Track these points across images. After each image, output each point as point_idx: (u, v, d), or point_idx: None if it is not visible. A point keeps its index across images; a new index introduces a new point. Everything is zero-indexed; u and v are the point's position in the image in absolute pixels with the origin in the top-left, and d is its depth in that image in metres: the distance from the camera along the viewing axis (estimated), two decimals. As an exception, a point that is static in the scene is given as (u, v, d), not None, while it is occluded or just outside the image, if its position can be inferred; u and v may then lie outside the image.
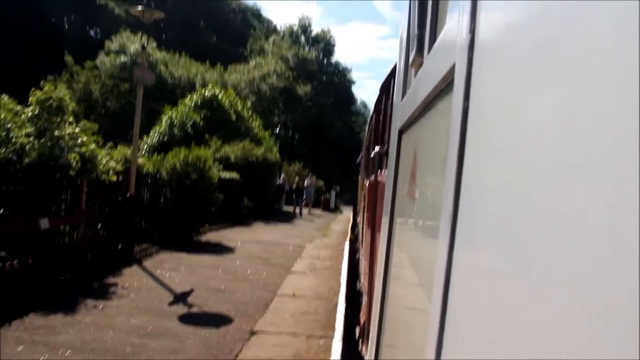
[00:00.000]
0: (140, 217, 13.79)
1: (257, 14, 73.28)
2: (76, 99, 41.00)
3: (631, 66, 0.42)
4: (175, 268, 11.56)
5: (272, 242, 16.63)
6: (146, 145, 29.81)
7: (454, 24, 1.16)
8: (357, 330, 6.73)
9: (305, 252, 15.03)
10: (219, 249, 14.53)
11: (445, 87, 1.29)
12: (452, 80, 1.11)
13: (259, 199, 26.31)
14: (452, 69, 1.12)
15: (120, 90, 41.20)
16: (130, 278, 10.33)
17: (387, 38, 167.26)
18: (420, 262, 1.67)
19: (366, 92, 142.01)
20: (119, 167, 12.99)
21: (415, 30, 2.00)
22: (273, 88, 48.55)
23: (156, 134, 29.82)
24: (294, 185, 30.34)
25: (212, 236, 16.84)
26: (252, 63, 51.49)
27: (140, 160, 15.22)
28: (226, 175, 22.97)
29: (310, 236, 19.54)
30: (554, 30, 0.61)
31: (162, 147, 29.14)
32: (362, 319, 6.09)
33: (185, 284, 10.15)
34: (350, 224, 27.32)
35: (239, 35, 62.38)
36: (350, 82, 59.59)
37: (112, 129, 41.88)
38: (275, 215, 26.81)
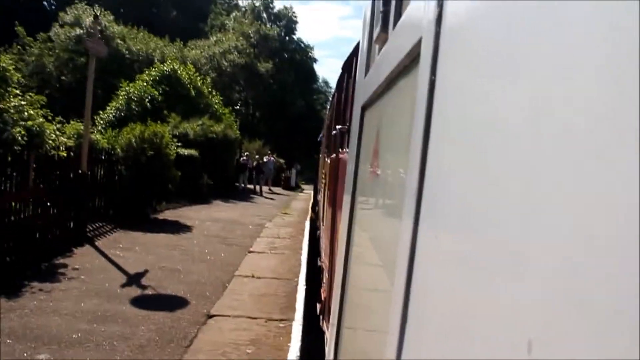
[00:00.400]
0: (94, 195, 13.26)
1: (218, -11, 71.73)
2: (28, 72, 39.55)
3: (601, 47, 0.42)
4: (130, 248, 11.11)
5: (231, 220, 16.24)
6: (102, 121, 28.99)
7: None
8: (319, 306, 6.67)
9: (265, 231, 14.68)
10: (176, 227, 14.08)
11: (410, 62, 1.26)
12: (418, 55, 1.08)
13: (219, 176, 25.81)
14: (418, 44, 1.10)
15: (76, 63, 39.71)
16: (81, 259, 9.86)
17: (350, 18, 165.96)
18: (382, 240, 1.64)
19: (328, 71, 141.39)
20: (71, 143, 12.42)
21: (380, 6, 1.95)
22: (234, 65, 47.54)
23: (113, 110, 28.97)
24: (254, 163, 29.68)
25: (169, 214, 16.36)
26: (213, 39, 50.29)
27: (95, 136, 14.60)
28: (184, 152, 22.43)
29: (271, 214, 19.18)
30: (522, 5, 0.60)
31: (119, 123, 28.18)
32: (324, 295, 6.06)
33: (140, 265, 9.74)
34: (311, 203, 27.08)
35: (199, 10, 60.94)
36: (313, 60, 58.96)
37: (68, 104, 40.56)
38: (235, 193, 26.34)
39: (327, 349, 3.57)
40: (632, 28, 0.38)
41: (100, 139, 14.72)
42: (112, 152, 14.34)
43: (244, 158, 31.73)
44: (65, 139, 12.39)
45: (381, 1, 1.92)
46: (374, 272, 1.76)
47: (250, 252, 11.76)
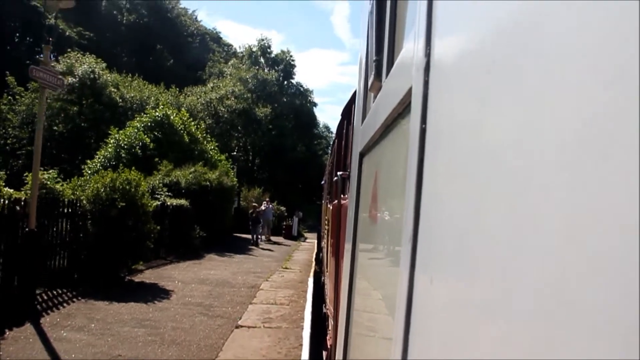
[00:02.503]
0: (51, 256, 10.79)
1: (216, 38, 70.58)
2: (19, 123, 37.53)
3: (581, 84, 0.44)
4: (83, 326, 8.53)
5: (221, 281, 13.61)
6: (90, 170, 26.82)
7: (410, 48, 1.16)
8: (324, 354, 6.50)
9: (260, 295, 12.04)
10: (152, 293, 11.50)
11: (403, 110, 1.29)
12: (410, 102, 1.10)
13: (213, 227, 23.33)
14: (409, 92, 1.12)
15: (68, 113, 37.77)
16: (9, 347, 7.29)
17: (348, 64, 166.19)
18: (382, 286, 1.64)
19: (328, 117, 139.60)
20: (21, 195, 10.04)
21: (373, 55, 1.96)
22: (231, 110, 45.46)
23: (101, 158, 26.78)
24: (250, 212, 26.99)
25: (149, 275, 13.80)
26: (210, 85, 48.42)
27: (59, 187, 12.19)
28: (173, 202, 20.03)
29: (268, 271, 16.58)
30: (505, 51, 0.62)
31: (107, 173, 26.25)
32: (329, 342, 5.94)
33: (88, 354, 7.18)
34: (315, 253, 24.45)
35: (197, 59, 59.46)
36: (312, 104, 56.71)
37: (58, 154, 38.56)
38: (232, 245, 23.70)
39: None
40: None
41: (65, 189, 12.28)
42: (78, 205, 11.92)
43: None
44: (11, 191, 10.03)
45: (374, 50, 1.94)
46: (375, 318, 1.74)
47: (238, 326, 9.15)
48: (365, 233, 2.17)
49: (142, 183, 13.06)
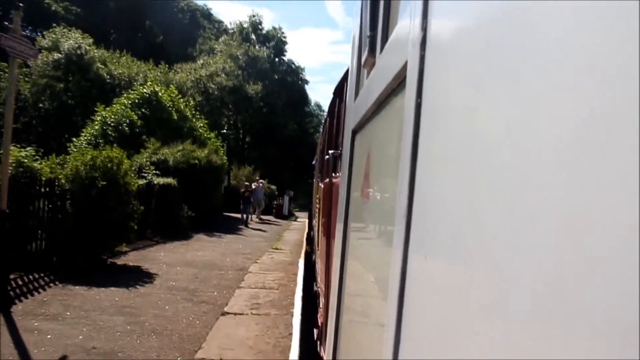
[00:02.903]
0: (27, 238, 10.16)
1: (207, 15, 69.14)
2: (2, 99, 36.50)
3: (581, 60, 0.43)
4: (58, 314, 7.93)
5: (208, 263, 13.01)
6: (75, 149, 26.06)
7: (406, 23, 1.14)
8: (315, 332, 6.41)
9: (248, 278, 11.44)
10: (135, 276, 10.90)
11: (397, 85, 1.27)
12: (405, 78, 1.09)
13: (202, 207, 22.71)
14: (404, 67, 1.10)
15: (54, 90, 36.77)
16: (-27, 339, 6.69)
17: (340, 43, 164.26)
18: (375, 263, 1.61)
19: (321, 96, 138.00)
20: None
21: (367, 31, 1.92)
22: (221, 87, 44.49)
23: (87, 136, 25.99)
24: (242, 191, 26.25)
25: (133, 257, 13.19)
26: (200, 62, 47.34)
27: (38, 165, 11.50)
28: (160, 181, 19.37)
29: (258, 251, 16.01)
30: (503, 28, 0.61)
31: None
32: (320, 320, 5.86)
33: (58, 348, 6.59)
34: (306, 233, 23.90)
35: (187, 35, 58.18)
36: (304, 82, 55.73)
37: (45, 132, 37.66)
38: (221, 225, 23.09)
39: None
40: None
41: (43, 167, 11.59)
42: (56, 184, 11.25)
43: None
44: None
45: (368, 26, 1.90)
46: (367, 296, 1.72)
47: (224, 313, 8.57)
48: (357, 211, 2.15)
49: (125, 161, 12.36)
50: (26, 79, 36.74)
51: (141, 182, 18.67)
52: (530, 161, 0.51)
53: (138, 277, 10.87)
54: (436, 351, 0.74)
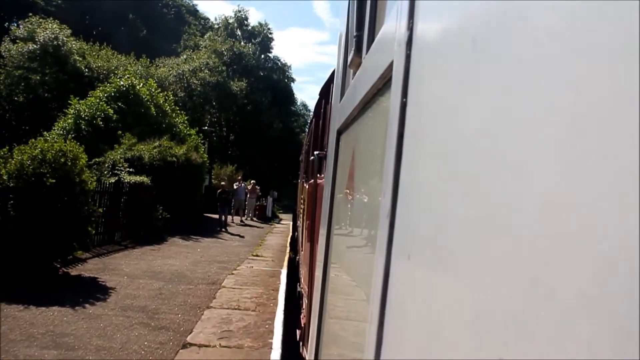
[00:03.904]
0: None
1: (192, 11, 67.02)
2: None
3: (568, 60, 0.43)
4: (-27, 347, 6.21)
5: (177, 274, 11.27)
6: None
7: (392, 23, 1.13)
8: (298, 332, 6.26)
9: (221, 295, 9.67)
10: (87, 291, 9.15)
11: (383, 85, 1.26)
12: (390, 77, 1.08)
13: (180, 208, 20.94)
14: (390, 67, 1.09)
15: (30, 82, 34.69)
16: None
17: (326, 44, 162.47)
18: (358, 264, 1.59)
19: (307, 97, 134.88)
20: None
21: (353, 31, 1.91)
22: (205, 83, 42.53)
23: (59, 130, 24.11)
24: (219, 191, 24.15)
25: (91, 266, 11.42)
26: (183, 57, 45.32)
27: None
28: (132, 179, 17.60)
29: (236, 259, 14.29)
30: (489, 28, 0.61)
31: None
32: (303, 321, 5.70)
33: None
34: (290, 237, 22.21)
35: (172, 31, 56.15)
36: (290, 80, 53.73)
37: (18, 126, 35.58)
38: (200, 227, 21.31)
39: None
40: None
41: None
42: (-2, 181, 9.50)
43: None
44: None
45: (355, 26, 1.89)
46: (350, 297, 1.71)
47: (186, 345, 6.85)
48: (341, 211, 2.12)
49: (82, 156, 10.59)
50: (-1, 69, 34.67)
51: (112, 179, 16.96)
52: (516, 161, 0.50)
53: (91, 292, 9.13)
54: (419, 352, 0.72)
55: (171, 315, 8.13)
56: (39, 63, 35.11)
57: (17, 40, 35.66)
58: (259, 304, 9.10)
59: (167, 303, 8.79)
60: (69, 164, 10.13)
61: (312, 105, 61.99)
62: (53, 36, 35.05)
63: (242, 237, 21.01)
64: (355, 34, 1.85)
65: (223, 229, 22.36)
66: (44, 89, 35.24)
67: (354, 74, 1.91)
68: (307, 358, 3.93)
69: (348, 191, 1.90)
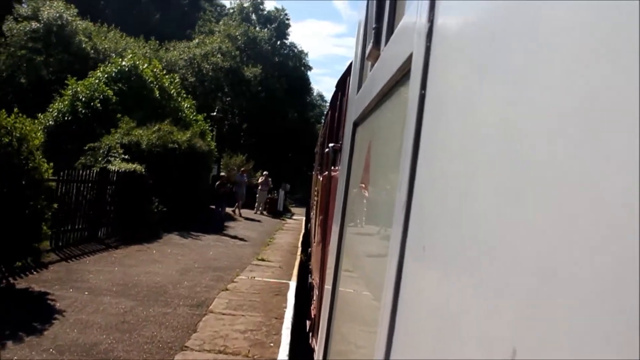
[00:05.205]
0: None
1: (208, -3, 64.40)
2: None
3: (585, 55, 0.42)
4: None
5: (156, 288, 8.65)
6: (41, 126, 21.78)
7: (412, 14, 1.10)
8: (308, 323, 6.24)
9: (204, 327, 6.92)
10: (25, 315, 6.59)
11: (401, 77, 1.22)
12: (409, 69, 1.04)
13: (181, 200, 18.43)
14: (409, 59, 1.05)
15: (33, 62, 32.30)
16: None
17: (344, 36, 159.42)
18: (372, 257, 1.56)
19: (323, 89, 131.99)
20: None
21: (372, 23, 1.86)
22: (217, 68, 39.82)
23: (55, 112, 21.70)
24: (217, 183, 20.53)
25: (50, 274, 8.85)
26: (195, 41, 42.60)
27: None
28: (121, 167, 15.11)
29: (236, 265, 11.71)
30: (510, 19, 0.59)
31: (61, 129, 21.29)
32: (313, 312, 5.71)
33: None
34: (302, 234, 19.59)
35: (186, 17, 53.45)
36: (307, 67, 50.61)
37: (21, 109, 33.19)
38: (203, 221, 18.72)
39: None
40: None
41: None
42: None
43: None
44: None
45: (374, 18, 1.85)
46: (363, 289, 1.65)
47: None
48: (356, 204, 2.06)
49: (32, 135, 8.05)
50: (1, 49, 32.28)
51: (99, 167, 14.54)
52: (534, 155, 0.49)
53: (29, 317, 6.58)
54: (432, 345, 0.70)
55: (125, 363, 5.56)
56: (42, 43, 32.74)
57: (21, 19, 33.28)
58: (254, 344, 6.43)
59: (127, 339, 6.21)
60: (15, 143, 7.61)
61: (328, 97, 59.26)
62: (57, 15, 32.67)
63: (250, 233, 18.42)
64: (374, 25, 1.79)
65: (219, 229, 18.51)
66: (47, 70, 32.87)
67: (372, 66, 1.84)
68: (316, 349, 3.73)
69: (363, 184, 1.83)
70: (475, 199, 0.63)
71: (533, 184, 0.48)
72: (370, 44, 1.83)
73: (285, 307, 8.11)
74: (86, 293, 7.94)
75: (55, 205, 8.78)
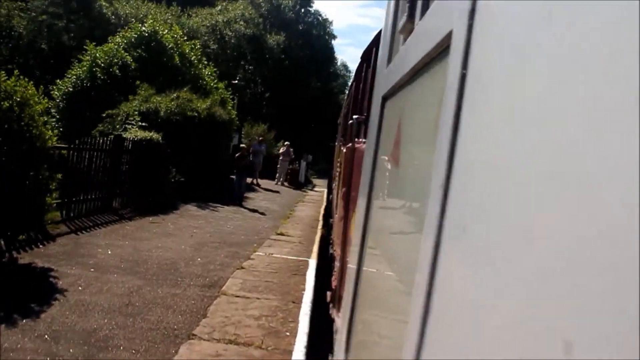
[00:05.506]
0: None
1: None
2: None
3: (634, 36, 0.41)
4: None
5: (167, 265, 8.08)
6: (59, 92, 21.42)
7: None
8: (329, 294, 5.72)
9: (215, 311, 6.33)
10: (23, 295, 6.06)
11: (438, 54, 1.17)
12: (448, 47, 1.00)
13: (199, 170, 17.91)
14: (448, 36, 1.00)
15: (54, 28, 31.77)
16: None
17: (369, 6, 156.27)
18: (402, 236, 1.49)
19: (347, 59, 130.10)
20: None
21: None
22: (239, 35, 38.90)
23: (73, 78, 21.22)
24: (237, 155, 18.93)
25: (58, 248, 8.34)
26: (218, 7, 41.63)
27: None
28: (137, 135, 14.57)
29: (253, 239, 11.12)
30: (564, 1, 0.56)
31: (79, 95, 20.85)
32: (334, 283, 5.45)
33: None
34: (324, 207, 18.97)
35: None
36: (331, 36, 49.30)
37: (42, 74, 32.82)
38: (223, 192, 18.14)
39: (337, 337, 3.50)
40: None
41: None
42: None
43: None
44: None
45: None
46: (391, 270, 1.57)
47: None
48: (384, 178, 1.98)
49: (34, 100, 7.42)
50: (21, 14, 31.78)
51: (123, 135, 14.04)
52: (579, 139, 0.48)
53: (27, 296, 6.05)
54: (465, 328, 0.68)
55: (124, 353, 4.99)
56: (63, 8, 32.19)
57: (41, -17, 32.69)
58: (268, 333, 5.81)
59: (131, 325, 5.64)
60: (16, 109, 7.01)
61: (352, 67, 57.94)
62: (78, -21, 32.06)
63: (269, 204, 17.86)
64: None
65: (237, 202, 17.62)
66: (68, 36, 32.37)
67: (404, 40, 1.77)
68: (338, 326, 3.62)
69: (393, 159, 1.76)
70: (516, 187, 0.60)
71: (580, 168, 0.47)
72: (404, 18, 1.75)
73: (304, 290, 7.49)
74: (92, 270, 7.40)
75: (60, 176, 8.20)
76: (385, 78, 2.20)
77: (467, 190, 0.80)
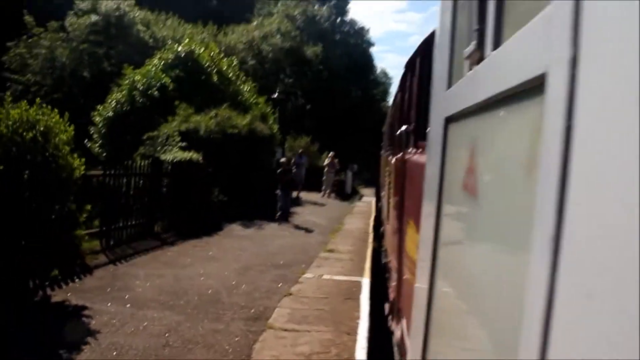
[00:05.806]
0: None
1: (267, -20, 63.08)
2: (39, 67, 31.92)
3: None
4: None
5: (209, 295, 7.38)
6: (100, 117, 21.38)
7: (539, 30, 0.95)
8: (387, 306, 5.94)
9: (262, 349, 5.54)
10: (48, 338, 5.53)
11: (522, 91, 1.07)
12: (541, 88, 0.90)
13: (242, 188, 17.36)
14: (540, 78, 0.90)
15: (95, 55, 32.04)
16: None
17: (405, 11, 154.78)
18: (494, 267, 1.33)
19: (386, 66, 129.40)
20: None
21: (474, 24, 1.71)
22: (277, 49, 38.54)
23: (113, 103, 21.17)
24: (279, 171, 18.21)
25: (94, 281, 7.79)
26: (254, 23, 41.39)
27: None
28: (175, 156, 14.12)
29: (302, 258, 10.40)
30: None
31: (119, 119, 20.75)
32: (392, 295, 5.41)
33: None
34: (373, 218, 18.11)
35: (244, 0, 52.49)
36: (369, 44, 48.66)
37: (85, 103, 33.05)
38: (268, 208, 17.47)
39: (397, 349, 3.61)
40: None
41: None
42: None
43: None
44: None
45: (475, 18, 1.70)
46: (476, 303, 1.44)
47: None
48: (456, 205, 1.92)
49: (61, 128, 6.90)
50: (64, 44, 32.14)
51: (165, 156, 13.61)
52: None
53: (54, 342, 5.47)
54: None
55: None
56: (102, 35, 32.46)
57: (81, 13, 33.08)
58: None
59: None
60: (40, 139, 6.50)
61: (393, 74, 56.89)
62: (115, 6, 32.29)
63: (316, 219, 17.13)
64: (476, 27, 1.68)
65: (284, 218, 16.90)
66: (109, 62, 32.57)
67: (471, 66, 1.73)
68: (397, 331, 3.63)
69: (468, 186, 1.70)
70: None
71: None
72: (472, 46, 1.69)
73: (359, 318, 6.68)
74: (128, 305, 6.80)
75: (89, 207, 7.68)
76: (446, 100, 2.15)
77: (584, 244, 0.70)
